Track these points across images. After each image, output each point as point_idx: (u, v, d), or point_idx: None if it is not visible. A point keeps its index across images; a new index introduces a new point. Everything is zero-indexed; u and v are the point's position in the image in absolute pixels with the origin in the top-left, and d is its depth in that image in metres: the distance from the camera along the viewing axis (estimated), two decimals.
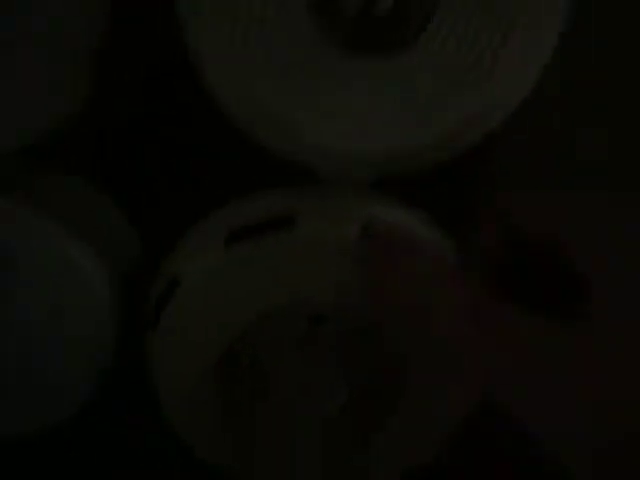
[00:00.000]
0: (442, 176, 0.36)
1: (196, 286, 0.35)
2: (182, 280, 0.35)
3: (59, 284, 0.37)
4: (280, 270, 0.34)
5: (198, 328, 0.35)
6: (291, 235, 0.34)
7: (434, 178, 0.36)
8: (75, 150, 0.42)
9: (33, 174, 0.39)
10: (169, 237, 0.39)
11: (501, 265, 0.34)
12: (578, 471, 0.32)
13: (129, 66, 0.41)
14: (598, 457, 0.32)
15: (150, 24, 0.40)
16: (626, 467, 0.31)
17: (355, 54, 0.33)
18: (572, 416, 0.31)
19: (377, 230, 0.33)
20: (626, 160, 0.46)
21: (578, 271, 0.33)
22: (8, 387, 0.38)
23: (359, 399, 0.37)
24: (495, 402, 0.32)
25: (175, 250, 0.37)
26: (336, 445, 0.37)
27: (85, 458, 0.49)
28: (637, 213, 0.35)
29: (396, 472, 0.39)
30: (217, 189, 0.41)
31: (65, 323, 0.37)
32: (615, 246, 0.34)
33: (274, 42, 0.32)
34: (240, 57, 0.33)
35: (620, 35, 0.46)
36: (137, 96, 0.42)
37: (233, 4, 0.32)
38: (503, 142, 0.38)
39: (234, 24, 0.32)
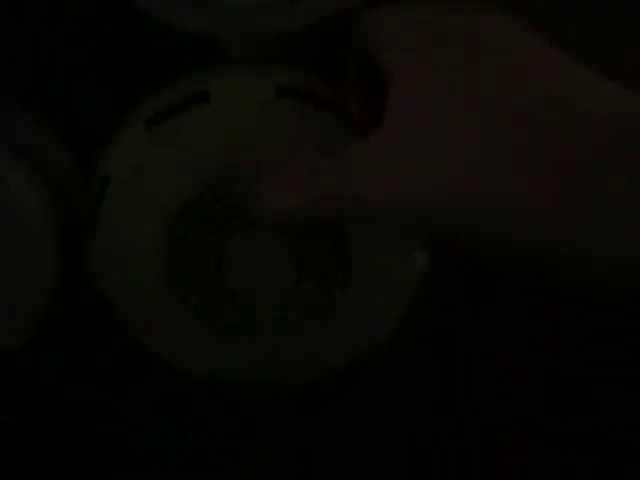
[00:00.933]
0: None
1: (124, 176, 0.35)
2: (111, 174, 0.35)
3: None
4: (204, 144, 0.34)
5: (136, 219, 0.35)
6: (207, 108, 0.34)
7: None
8: None
9: None
10: (98, 143, 0.38)
11: None
12: None
13: None
14: None
15: None
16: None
17: None
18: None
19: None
20: None
21: None
22: None
23: (308, 277, 0.37)
24: None
25: (103, 151, 0.37)
26: (289, 325, 0.37)
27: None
28: None
29: (351, 352, 0.39)
30: (135, 83, 0.41)
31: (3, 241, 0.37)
32: None
33: None
34: None
35: None
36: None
37: None
38: None
39: None
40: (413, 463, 0.51)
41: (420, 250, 0.37)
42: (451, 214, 0.30)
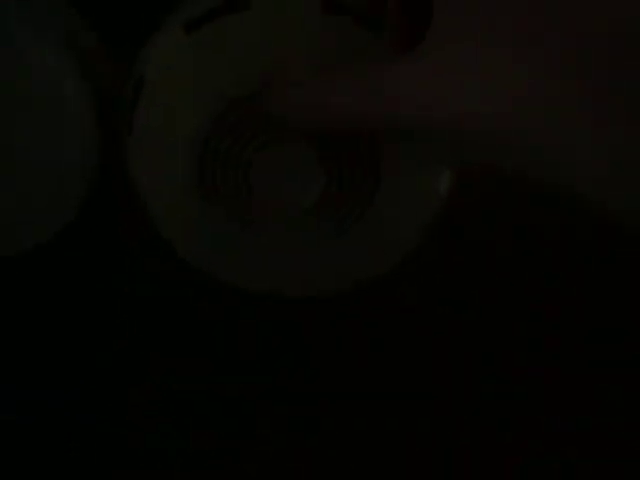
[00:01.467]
0: None
1: (161, 78, 0.35)
2: (147, 75, 0.35)
3: (34, 92, 0.36)
4: (242, 52, 0.34)
5: (171, 120, 0.36)
6: (248, 15, 0.34)
7: None
8: None
9: None
10: (136, 42, 0.38)
11: None
12: None
13: None
14: None
15: None
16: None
17: None
18: None
19: None
20: None
21: None
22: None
23: (335, 190, 0.37)
24: None
25: (139, 52, 0.37)
26: (319, 235, 0.38)
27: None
28: None
29: (380, 262, 0.39)
30: None
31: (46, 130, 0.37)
32: None
33: None
34: None
35: None
36: None
37: None
38: None
39: None
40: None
41: (447, 172, 0.37)
42: (490, 142, 0.29)
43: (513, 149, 0.29)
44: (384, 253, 0.38)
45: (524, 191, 0.45)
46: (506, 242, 0.49)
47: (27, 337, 0.46)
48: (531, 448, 0.51)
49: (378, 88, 0.30)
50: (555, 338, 0.50)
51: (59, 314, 0.46)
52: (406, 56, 0.30)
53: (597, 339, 0.50)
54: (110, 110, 0.38)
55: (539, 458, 0.51)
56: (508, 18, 0.29)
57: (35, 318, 0.47)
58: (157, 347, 0.48)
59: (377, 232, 0.38)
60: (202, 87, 0.35)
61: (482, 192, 0.46)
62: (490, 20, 0.29)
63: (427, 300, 0.49)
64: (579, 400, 0.51)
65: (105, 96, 0.39)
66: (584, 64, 0.28)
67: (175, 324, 0.47)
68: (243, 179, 0.36)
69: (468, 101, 0.29)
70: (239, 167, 0.36)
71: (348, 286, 0.39)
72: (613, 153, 0.28)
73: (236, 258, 0.38)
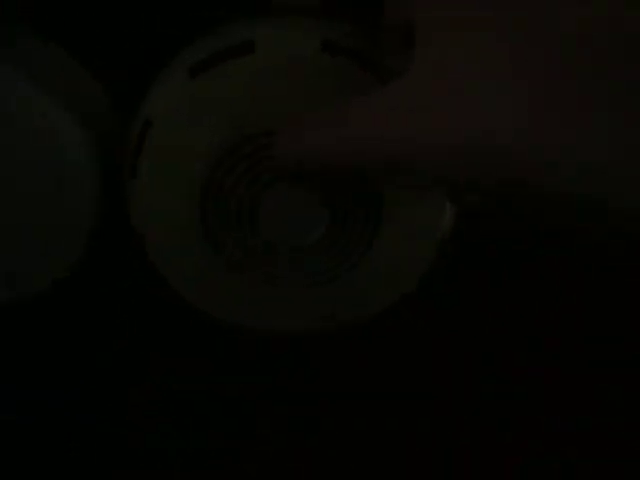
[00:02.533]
0: None
1: (165, 121, 0.36)
2: (153, 119, 0.36)
3: (36, 142, 0.37)
4: (245, 95, 0.35)
5: (175, 162, 0.36)
6: (252, 58, 0.35)
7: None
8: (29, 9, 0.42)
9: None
10: (140, 87, 0.39)
11: None
12: None
13: None
14: None
15: None
16: None
17: None
18: None
19: None
20: None
21: None
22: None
23: (338, 230, 0.38)
24: None
25: (145, 94, 0.38)
26: (321, 275, 0.38)
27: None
28: None
29: (379, 302, 0.40)
30: (177, 31, 0.41)
31: (46, 183, 0.38)
32: None
33: None
34: None
35: None
36: None
37: None
38: None
39: None
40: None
41: (447, 208, 0.38)
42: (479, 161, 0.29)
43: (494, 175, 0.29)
44: (378, 297, 0.39)
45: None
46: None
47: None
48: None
49: (355, 129, 0.31)
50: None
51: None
52: (385, 91, 0.30)
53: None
54: (113, 158, 0.39)
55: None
56: (491, 53, 0.29)
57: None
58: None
59: (373, 275, 0.38)
60: (207, 130, 0.35)
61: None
62: (470, 55, 0.29)
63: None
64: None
65: (108, 144, 0.39)
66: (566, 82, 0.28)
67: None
68: (247, 220, 0.37)
69: (447, 134, 0.29)
70: (242, 208, 0.37)
71: (345, 323, 0.40)
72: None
73: (231, 299, 0.39)
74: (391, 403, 0.51)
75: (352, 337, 0.49)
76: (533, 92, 0.28)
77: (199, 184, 0.36)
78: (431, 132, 0.29)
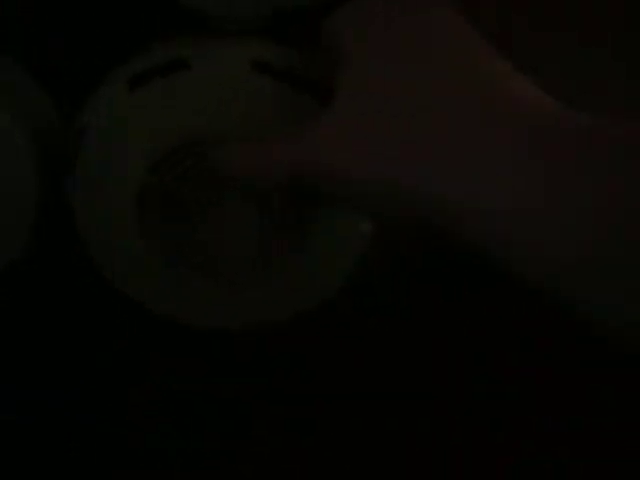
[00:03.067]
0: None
1: (102, 129, 0.38)
2: (90, 125, 0.38)
3: None
4: (179, 107, 0.38)
5: (110, 169, 0.38)
6: (187, 74, 0.37)
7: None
8: None
9: None
10: (81, 95, 0.41)
11: None
12: None
13: None
14: None
15: None
16: None
17: None
18: None
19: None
20: None
21: None
22: None
23: (267, 231, 0.40)
24: None
25: (85, 102, 0.40)
26: (249, 274, 0.41)
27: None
28: None
29: (301, 303, 0.42)
30: (119, 45, 0.44)
31: None
32: None
33: None
34: None
35: None
36: None
37: None
38: None
39: None
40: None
41: (365, 222, 0.40)
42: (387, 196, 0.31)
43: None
44: (307, 294, 0.41)
45: None
46: None
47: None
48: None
49: (282, 151, 0.34)
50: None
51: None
52: (309, 123, 0.33)
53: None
54: (52, 155, 0.41)
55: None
56: (394, 93, 0.32)
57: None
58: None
59: (302, 274, 0.41)
60: (140, 137, 0.38)
61: None
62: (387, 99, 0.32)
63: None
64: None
65: (47, 141, 0.41)
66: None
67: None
68: (179, 221, 0.39)
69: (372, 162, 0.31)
70: (175, 210, 0.39)
71: (283, 318, 0.42)
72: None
73: (178, 297, 0.40)
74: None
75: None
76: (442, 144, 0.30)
77: (134, 187, 0.38)
78: (346, 166, 0.32)
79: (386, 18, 0.34)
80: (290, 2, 0.40)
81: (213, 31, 0.40)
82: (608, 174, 0.27)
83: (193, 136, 0.38)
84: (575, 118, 0.29)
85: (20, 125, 0.39)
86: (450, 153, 0.30)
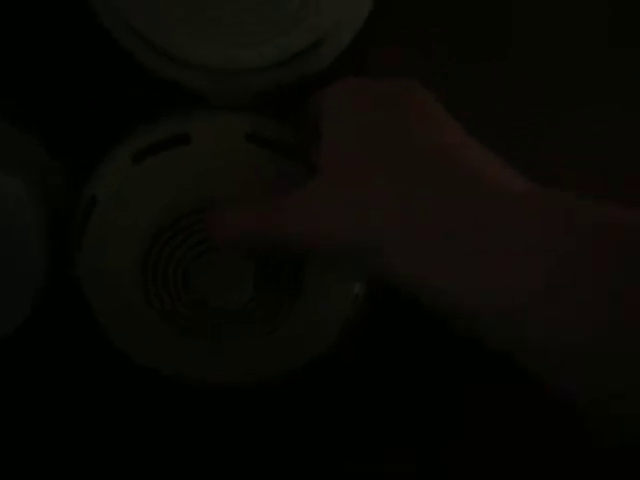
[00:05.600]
0: None
1: (110, 200, 0.40)
2: (98, 198, 0.40)
3: None
4: (182, 179, 0.40)
5: (117, 237, 0.40)
6: (187, 149, 0.40)
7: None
8: None
9: None
10: (87, 165, 0.44)
11: None
12: None
13: None
14: None
15: None
16: None
17: None
18: None
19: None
20: None
21: None
22: None
23: (264, 292, 0.42)
24: None
25: (91, 174, 0.43)
26: (247, 333, 0.43)
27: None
28: None
29: (297, 359, 0.44)
30: (123, 120, 0.46)
31: None
32: None
33: None
34: None
35: None
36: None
37: None
38: None
39: None
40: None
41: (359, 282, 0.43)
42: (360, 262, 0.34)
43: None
44: (303, 350, 0.44)
45: None
46: None
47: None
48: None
49: (271, 217, 0.36)
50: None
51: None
52: (293, 192, 0.36)
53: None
54: (61, 225, 0.42)
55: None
56: (366, 165, 0.34)
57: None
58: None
59: (299, 331, 0.43)
60: (146, 209, 0.40)
61: None
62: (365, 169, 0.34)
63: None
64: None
65: (56, 211, 0.43)
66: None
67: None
68: (181, 285, 0.42)
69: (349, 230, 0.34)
70: (177, 275, 0.41)
71: (270, 377, 0.44)
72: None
73: (179, 358, 0.43)
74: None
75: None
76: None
77: (139, 255, 0.41)
78: (326, 236, 0.34)
79: (362, 98, 0.36)
80: (272, 83, 0.43)
81: (210, 106, 0.44)
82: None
83: (195, 204, 0.40)
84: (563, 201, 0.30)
85: (31, 190, 0.40)
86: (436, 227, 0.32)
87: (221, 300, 0.42)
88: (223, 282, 0.42)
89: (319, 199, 0.35)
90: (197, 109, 0.43)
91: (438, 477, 0.52)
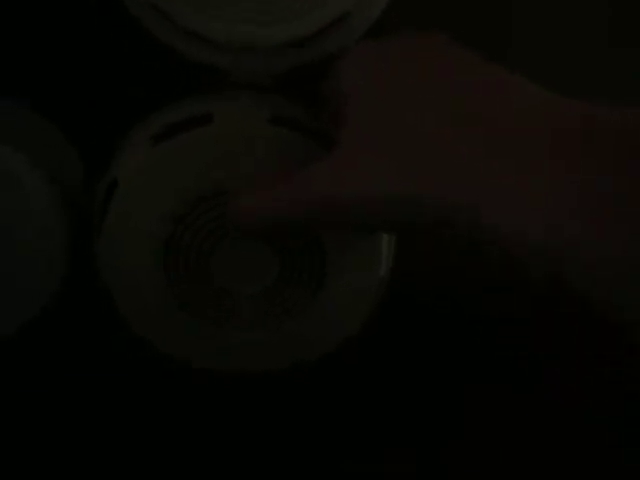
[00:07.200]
0: None
1: (131, 183, 0.39)
2: (119, 181, 0.40)
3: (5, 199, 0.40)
4: (203, 160, 0.39)
5: (138, 221, 0.40)
6: (209, 129, 0.39)
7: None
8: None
9: None
10: (107, 149, 0.43)
11: None
12: None
13: None
14: None
15: None
16: None
17: None
18: None
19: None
20: None
21: None
22: None
23: (286, 280, 0.41)
24: None
25: (112, 158, 0.42)
26: (270, 319, 0.42)
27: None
28: None
29: (328, 343, 0.42)
30: (144, 100, 0.45)
31: (16, 235, 0.40)
32: None
33: None
34: None
35: None
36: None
37: None
38: None
39: None
40: (405, 463, 0.52)
41: (386, 258, 0.42)
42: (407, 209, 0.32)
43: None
44: (323, 340, 0.43)
45: None
46: None
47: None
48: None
49: (304, 182, 0.35)
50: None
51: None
52: (323, 159, 0.35)
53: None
54: (80, 212, 0.42)
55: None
56: (399, 117, 0.33)
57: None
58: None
59: (319, 320, 0.42)
60: (168, 192, 0.39)
61: None
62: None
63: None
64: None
65: (74, 197, 0.43)
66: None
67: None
68: (204, 269, 0.41)
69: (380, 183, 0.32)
70: (200, 259, 0.40)
71: (299, 363, 0.43)
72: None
73: (199, 345, 0.42)
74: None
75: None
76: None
77: (161, 239, 0.40)
78: (357, 186, 0.33)
79: (383, 58, 0.36)
80: (295, 63, 0.42)
81: (232, 86, 0.43)
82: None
83: (216, 187, 0.39)
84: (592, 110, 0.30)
85: (51, 179, 0.40)
86: (478, 164, 0.30)
87: (242, 284, 0.41)
88: (245, 268, 0.41)
89: (360, 157, 0.33)
90: (220, 91, 0.43)
91: (438, 477, 0.52)
